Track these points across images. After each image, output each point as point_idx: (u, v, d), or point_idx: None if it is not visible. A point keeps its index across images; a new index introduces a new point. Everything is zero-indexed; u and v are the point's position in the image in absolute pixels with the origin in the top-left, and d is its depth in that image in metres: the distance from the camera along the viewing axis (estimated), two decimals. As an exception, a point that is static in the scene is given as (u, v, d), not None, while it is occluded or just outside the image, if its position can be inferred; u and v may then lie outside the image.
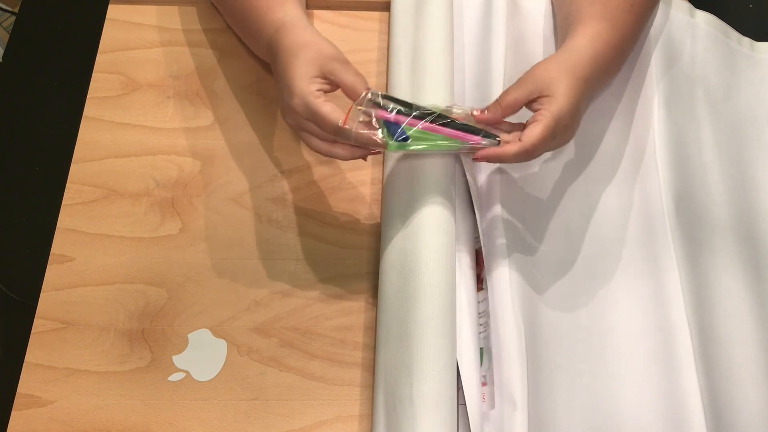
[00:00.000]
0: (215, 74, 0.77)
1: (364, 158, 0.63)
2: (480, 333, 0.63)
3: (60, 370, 0.64)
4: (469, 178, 0.65)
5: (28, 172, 0.75)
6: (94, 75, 0.77)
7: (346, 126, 0.59)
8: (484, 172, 0.70)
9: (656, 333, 0.63)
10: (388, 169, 0.68)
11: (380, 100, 0.61)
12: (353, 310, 0.66)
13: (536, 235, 0.68)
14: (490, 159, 0.61)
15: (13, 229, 0.72)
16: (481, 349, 0.62)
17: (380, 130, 0.60)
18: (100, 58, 0.78)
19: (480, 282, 0.65)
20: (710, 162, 0.72)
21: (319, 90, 0.60)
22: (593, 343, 0.63)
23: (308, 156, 0.73)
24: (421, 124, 0.61)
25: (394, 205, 0.65)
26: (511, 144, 0.60)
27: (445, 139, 0.61)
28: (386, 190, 0.67)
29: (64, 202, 0.71)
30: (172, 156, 0.73)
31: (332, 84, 0.62)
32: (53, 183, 0.72)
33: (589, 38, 0.65)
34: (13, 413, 0.62)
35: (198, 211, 0.71)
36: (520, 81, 0.62)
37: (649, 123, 0.71)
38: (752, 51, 0.80)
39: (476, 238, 0.67)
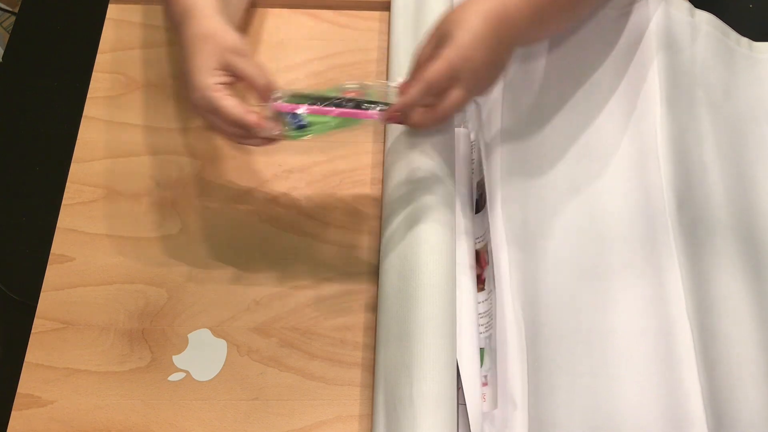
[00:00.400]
0: (215, 74, 0.77)
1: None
2: (480, 333, 0.63)
3: (60, 370, 0.64)
4: (461, 182, 0.65)
5: (28, 172, 0.75)
6: (94, 75, 0.77)
7: (249, 119, 0.59)
8: (487, 171, 0.70)
9: (657, 333, 0.63)
10: (388, 169, 0.68)
11: (287, 100, 0.62)
12: (353, 310, 0.66)
13: (537, 234, 0.68)
14: (395, 118, 0.62)
15: (13, 229, 0.72)
16: (482, 349, 0.62)
17: (282, 123, 0.61)
18: (100, 58, 0.78)
19: (480, 282, 0.65)
20: (710, 161, 0.72)
21: (219, 83, 0.60)
22: (594, 343, 0.63)
23: (308, 156, 0.73)
24: (304, 108, 0.61)
25: (395, 204, 0.65)
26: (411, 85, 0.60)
27: (338, 119, 0.62)
28: (386, 189, 0.67)
29: (64, 202, 0.71)
30: (172, 156, 0.73)
31: (234, 76, 0.61)
32: (53, 183, 0.72)
33: None
34: (13, 413, 0.62)
35: (198, 211, 0.71)
36: (428, 34, 0.62)
37: (651, 121, 0.71)
38: (751, 51, 0.80)
39: (476, 238, 0.67)
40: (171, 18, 0.66)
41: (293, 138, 0.62)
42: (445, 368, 0.57)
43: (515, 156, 0.70)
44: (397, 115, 0.62)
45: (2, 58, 0.82)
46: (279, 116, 0.62)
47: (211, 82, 0.60)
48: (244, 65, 0.61)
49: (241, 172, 0.72)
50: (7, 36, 0.86)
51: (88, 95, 0.76)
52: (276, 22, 0.81)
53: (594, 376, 0.62)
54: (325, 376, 0.64)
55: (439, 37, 0.61)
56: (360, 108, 0.62)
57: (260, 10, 0.81)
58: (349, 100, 0.63)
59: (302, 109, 0.62)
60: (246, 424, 0.62)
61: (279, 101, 0.62)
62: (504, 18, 0.61)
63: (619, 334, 0.63)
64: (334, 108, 0.62)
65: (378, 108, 0.62)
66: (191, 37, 0.62)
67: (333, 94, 0.63)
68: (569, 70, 0.75)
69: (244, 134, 0.61)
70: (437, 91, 0.60)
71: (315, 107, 0.62)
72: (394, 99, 0.63)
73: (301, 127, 0.62)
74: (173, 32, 0.66)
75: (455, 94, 0.60)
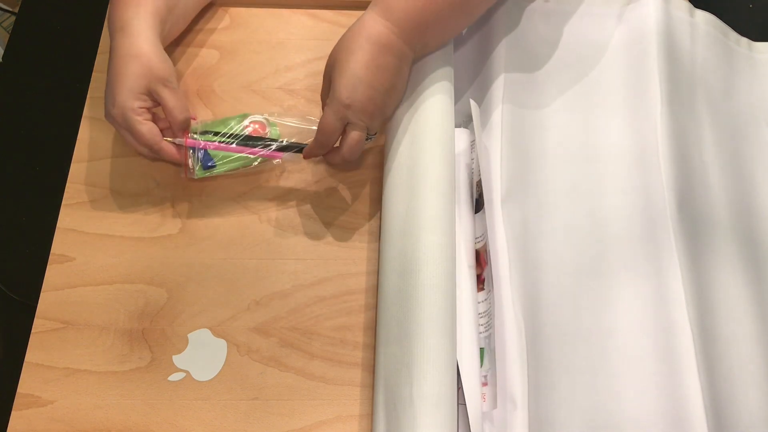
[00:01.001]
0: (215, 74, 0.77)
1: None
2: (480, 333, 0.63)
3: (60, 370, 0.64)
4: (465, 175, 0.65)
5: (28, 172, 0.75)
6: (94, 75, 0.77)
7: (161, 147, 0.66)
8: (486, 171, 0.70)
9: (658, 332, 0.63)
10: (388, 169, 0.68)
11: (198, 135, 0.67)
12: (353, 310, 0.66)
13: (537, 233, 0.67)
14: (306, 155, 0.68)
15: (13, 229, 0.72)
16: (482, 349, 0.62)
17: (190, 159, 0.67)
18: (100, 58, 0.78)
19: (480, 282, 0.65)
20: (710, 161, 0.72)
21: (141, 107, 0.65)
22: (594, 343, 0.63)
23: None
24: (211, 145, 0.67)
25: (395, 204, 0.65)
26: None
27: (241, 157, 0.68)
28: (386, 189, 0.67)
29: (64, 202, 0.71)
30: (172, 156, 0.73)
31: (155, 103, 0.66)
32: (53, 183, 0.72)
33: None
34: (13, 413, 0.62)
35: (198, 211, 0.71)
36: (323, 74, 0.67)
37: (651, 121, 0.71)
38: (750, 51, 0.80)
39: (476, 238, 0.67)
40: (110, 27, 0.69)
41: (199, 176, 0.68)
42: (445, 368, 0.57)
43: (514, 155, 0.70)
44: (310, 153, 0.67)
45: (2, 58, 0.82)
46: (189, 150, 0.67)
47: (134, 105, 0.65)
48: (167, 97, 0.66)
49: (241, 172, 0.72)
50: (7, 36, 0.86)
51: (88, 95, 0.76)
52: (276, 22, 0.81)
53: (594, 375, 0.62)
54: (325, 376, 0.64)
55: (328, 81, 0.65)
56: (256, 146, 0.68)
57: (260, 10, 0.81)
58: (253, 138, 0.68)
59: (206, 148, 0.67)
60: (246, 424, 0.62)
61: (191, 136, 0.67)
62: (384, 43, 0.63)
63: (619, 333, 0.63)
64: (240, 147, 0.67)
65: (282, 144, 0.68)
66: (123, 55, 0.65)
67: (237, 127, 0.69)
68: (570, 70, 0.75)
69: (153, 156, 0.67)
70: (336, 136, 0.65)
71: (221, 145, 0.67)
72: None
73: (209, 167, 0.68)
74: (111, 40, 0.68)
75: (352, 135, 0.65)
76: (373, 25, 0.63)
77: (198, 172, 0.68)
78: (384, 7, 0.64)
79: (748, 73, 0.79)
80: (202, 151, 0.67)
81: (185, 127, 0.67)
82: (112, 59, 0.66)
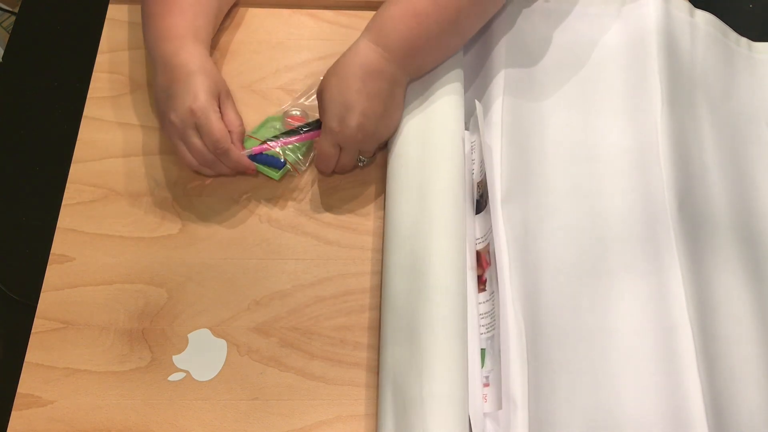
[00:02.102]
0: (215, 74, 0.77)
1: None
2: (482, 334, 0.63)
3: (60, 370, 0.64)
4: (471, 174, 0.65)
5: (28, 172, 0.75)
6: (94, 75, 0.77)
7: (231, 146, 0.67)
8: (488, 171, 0.70)
9: (658, 332, 0.63)
10: (393, 169, 0.68)
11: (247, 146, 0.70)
12: (353, 310, 0.66)
13: (538, 234, 0.67)
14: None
15: (13, 229, 0.72)
16: (483, 350, 0.62)
17: (259, 165, 0.70)
18: (100, 58, 0.78)
19: (481, 283, 0.65)
20: (710, 161, 0.72)
21: (216, 108, 0.67)
22: (595, 343, 0.63)
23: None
24: (279, 143, 0.70)
25: (402, 204, 0.65)
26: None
27: (304, 143, 0.71)
28: (392, 189, 0.67)
29: (64, 202, 0.71)
30: (172, 156, 0.73)
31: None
32: (53, 183, 0.72)
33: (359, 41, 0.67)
34: (13, 413, 0.62)
35: (198, 211, 0.71)
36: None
37: (652, 121, 0.70)
38: (750, 51, 0.80)
39: (477, 239, 0.67)
40: (153, 36, 0.70)
41: (278, 178, 0.71)
42: (456, 369, 0.57)
43: (515, 155, 0.70)
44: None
45: (2, 58, 0.82)
46: (256, 160, 0.70)
47: (214, 104, 0.66)
48: (231, 106, 0.70)
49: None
50: (7, 36, 0.86)
51: (88, 95, 0.76)
52: (276, 22, 0.81)
53: (595, 375, 0.62)
54: (325, 376, 0.64)
55: (321, 104, 0.67)
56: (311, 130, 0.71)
57: (260, 10, 0.81)
58: (305, 126, 0.71)
59: (276, 145, 0.70)
60: (246, 424, 0.62)
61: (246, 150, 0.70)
62: (376, 69, 0.65)
63: (619, 333, 0.63)
64: (295, 136, 0.71)
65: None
66: (194, 62, 0.67)
67: (278, 123, 0.72)
68: (570, 70, 0.75)
69: (214, 160, 0.67)
70: (334, 160, 0.68)
71: (282, 140, 0.70)
72: None
73: (281, 166, 0.70)
74: (150, 56, 0.70)
75: (343, 159, 0.68)
76: (367, 52, 0.65)
77: (274, 174, 0.71)
78: (377, 33, 0.66)
79: (748, 73, 0.79)
80: (266, 156, 0.70)
81: (242, 138, 0.70)
82: (176, 69, 0.67)
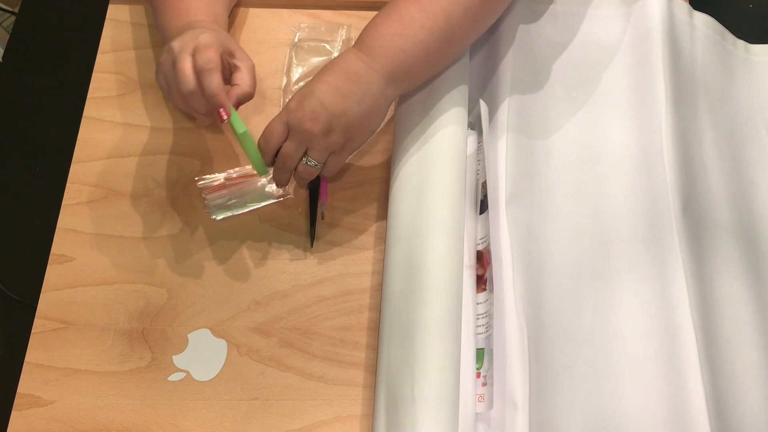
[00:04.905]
0: (215, 74, 0.77)
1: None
2: (479, 333, 0.63)
3: (60, 370, 0.64)
4: (471, 176, 0.65)
5: (28, 172, 0.75)
6: (94, 75, 0.77)
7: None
8: (492, 172, 0.70)
9: (661, 335, 0.62)
10: (396, 169, 0.68)
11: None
12: (353, 310, 0.66)
13: (542, 235, 0.67)
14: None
15: (13, 229, 0.72)
16: (481, 349, 0.62)
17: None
18: (100, 58, 0.78)
19: (483, 282, 0.65)
20: (711, 163, 0.72)
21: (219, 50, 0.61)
22: (597, 345, 0.63)
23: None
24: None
25: (403, 205, 0.65)
26: None
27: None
28: (395, 189, 0.67)
29: (64, 202, 0.71)
30: (172, 156, 0.73)
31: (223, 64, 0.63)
32: (53, 183, 0.72)
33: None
34: (13, 413, 0.62)
35: (198, 211, 0.71)
36: None
37: (656, 122, 0.70)
38: (747, 54, 0.80)
39: (480, 239, 0.67)
40: (164, 33, 0.68)
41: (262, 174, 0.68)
42: (448, 369, 0.57)
43: (519, 156, 0.70)
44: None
45: (2, 58, 0.82)
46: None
47: (219, 47, 0.61)
48: (245, 69, 0.63)
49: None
50: (7, 36, 0.86)
51: (88, 95, 0.76)
52: (276, 22, 0.81)
53: (597, 377, 0.62)
54: (325, 376, 0.64)
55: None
56: None
57: (260, 10, 0.81)
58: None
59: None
60: (246, 424, 0.62)
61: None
62: (353, 72, 0.62)
63: (622, 336, 0.63)
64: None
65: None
66: (197, 27, 0.64)
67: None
68: (574, 71, 0.75)
69: (190, 99, 0.61)
70: (275, 141, 0.63)
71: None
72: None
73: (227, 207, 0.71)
74: (164, 37, 0.67)
75: (286, 146, 0.63)
76: (350, 57, 0.63)
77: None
78: (362, 40, 0.64)
79: (745, 76, 0.79)
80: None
81: (241, 100, 0.64)
82: (183, 34, 0.62)
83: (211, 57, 0.59)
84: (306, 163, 0.64)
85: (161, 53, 0.63)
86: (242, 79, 0.63)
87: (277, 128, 0.62)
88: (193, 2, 0.68)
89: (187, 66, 0.59)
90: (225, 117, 0.61)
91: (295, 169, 0.65)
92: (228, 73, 0.64)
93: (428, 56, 0.64)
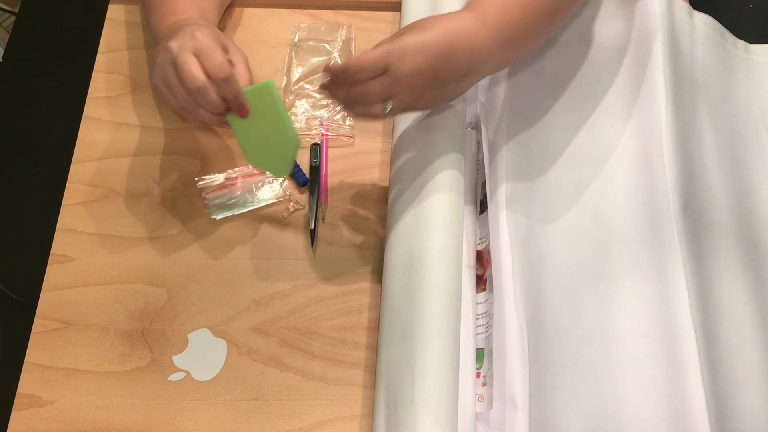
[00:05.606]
0: (215, 74, 0.77)
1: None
2: (479, 333, 0.63)
3: (60, 370, 0.64)
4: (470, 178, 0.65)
5: (28, 172, 0.75)
6: (94, 75, 0.77)
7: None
8: (492, 172, 0.70)
9: (661, 335, 0.62)
10: (394, 169, 0.68)
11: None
12: (353, 310, 0.66)
13: (541, 235, 0.67)
14: (322, 86, 0.60)
15: (13, 229, 0.72)
16: (481, 349, 0.62)
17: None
18: (100, 58, 0.78)
19: (482, 282, 0.65)
20: (711, 163, 0.72)
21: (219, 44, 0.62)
22: (597, 345, 0.63)
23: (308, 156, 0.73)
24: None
25: (402, 204, 0.65)
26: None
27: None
28: (394, 189, 0.67)
29: (64, 202, 0.71)
30: (172, 156, 0.73)
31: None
32: (53, 183, 0.72)
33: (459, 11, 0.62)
34: (13, 413, 0.62)
35: (198, 211, 0.71)
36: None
37: (656, 121, 0.70)
38: (747, 54, 0.80)
39: (480, 239, 0.67)
40: (156, 34, 0.67)
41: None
42: (447, 369, 0.57)
43: (519, 157, 0.70)
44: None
45: (2, 58, 0.82)
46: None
47: (217, 42, 0.61)
48: (240, 62, 0.63)
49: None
50: (7, 36, 0.86)
51: (88, 95, 0.76)
52: (276, 22, 0.81)
53: (597, 377, 0.62)
54: (325, 376, 0.64)
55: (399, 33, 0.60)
56: None
57: (260, 10, 0.81)
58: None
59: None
60: (246, 424, 0.62)
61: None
62: (460, 40, 0.59)
63: (622, 336, 0.63)
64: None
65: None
66: (188, 25, 0.63)
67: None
68: (574, 70, 0.75)
69: (191, 104, 0.61)
70: (364, 74, 0.58)
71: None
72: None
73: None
74: (153, 36, 0.67)
75: (374, 84, 0.59)
76: (459, 25, 0.60)
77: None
78: (480, 12, 0.61)
79: (745, 76, 0.79)
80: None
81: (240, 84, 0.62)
82: (177, 31, 0.63)
83: (222, 61, 0.60)
84: (384, 108, 0.61)
85: (154, 53, 0.63)
86: (240, 73, 0.63)
87: (374, 65, 0.58)
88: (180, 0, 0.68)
89: (192, 65, 0.59)
90: (246, 112, 0.62)
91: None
92: None
93: (533, 40, 0.64)
